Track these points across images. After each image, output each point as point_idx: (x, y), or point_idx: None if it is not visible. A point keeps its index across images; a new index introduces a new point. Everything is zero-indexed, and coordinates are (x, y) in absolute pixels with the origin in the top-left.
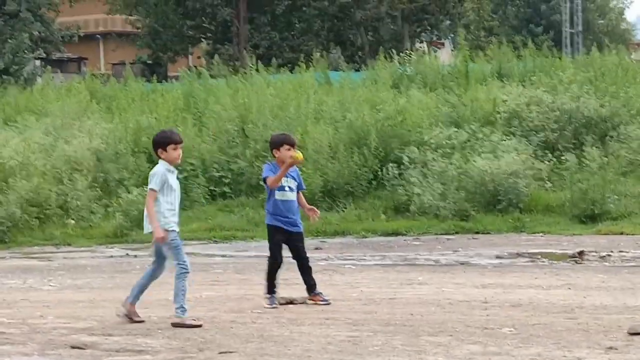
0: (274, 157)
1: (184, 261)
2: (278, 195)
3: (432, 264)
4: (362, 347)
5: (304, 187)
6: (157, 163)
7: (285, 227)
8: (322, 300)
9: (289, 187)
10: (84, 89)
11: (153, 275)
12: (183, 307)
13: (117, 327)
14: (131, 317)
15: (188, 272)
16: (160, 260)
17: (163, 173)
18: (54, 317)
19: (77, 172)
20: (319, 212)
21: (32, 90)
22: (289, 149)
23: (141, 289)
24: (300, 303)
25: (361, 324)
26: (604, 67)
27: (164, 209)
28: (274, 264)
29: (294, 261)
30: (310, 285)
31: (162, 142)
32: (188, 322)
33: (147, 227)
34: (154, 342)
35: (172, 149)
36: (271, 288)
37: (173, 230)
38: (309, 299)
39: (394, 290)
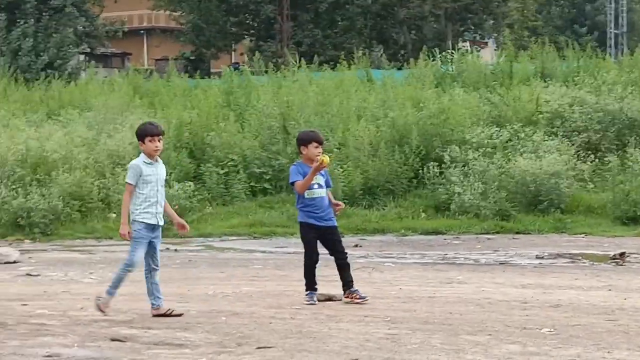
0: (301, 154)
1: (132, 259)
2: (307, 193)
3: (471, 263)
4: (400, 345)
5: (331, 184)
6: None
7: (317, 223)
8: (358, 298)
9: (318, 184)
10: (127, 84)
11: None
12: (110, 291)
13: (156, 320)
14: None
15: (129, 271)
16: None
17: (137, 166)
18: (95, 310)
19: (119, 166)
20: (342, 204)
21: (76, 84)
22: (316, 147)
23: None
24: (339, 300)
25: (400, 322)
26: None
27: (140, 202)
28: (310, 260)
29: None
30: (347, 282)
31: (140, 134)
32: (102, 308)
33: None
34: (193, 336)
35: (149, 141)
36: (310, 285)
37: (140, 222)
38: (345, 297)
39: (433, 289)
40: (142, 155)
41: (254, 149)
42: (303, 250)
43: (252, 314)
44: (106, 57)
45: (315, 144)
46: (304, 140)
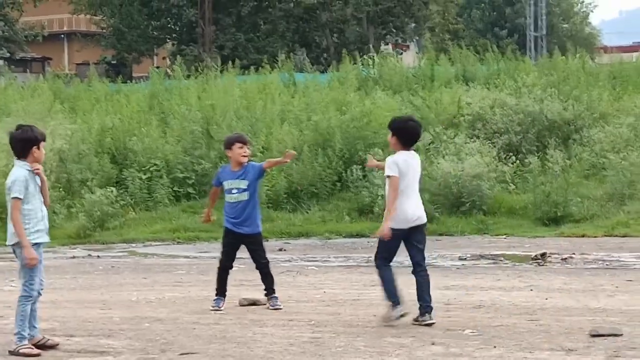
0: (228, 157)
1: (32, 284)
2: (227, 197)
3: (395, 265)
4: (324, 348)
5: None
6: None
7: (232, 229)
8: (271, 306)
9: (237, 189)
10: (47, 89)
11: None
12: (20, 334)
13: (79, 328)
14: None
15: (31, 298)
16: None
17: (25, 177)
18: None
19: None
20: (292, 152)
21: None
22: (240, 147)
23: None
24: (263, 304)
25: (324, 325)
26: (567, 71)
27: (30, 219)
28: (220, 265)
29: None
30: (267, 289)
31: (34, 139)
32: (22, 350)
33: (11, 239)
34: (116, 343)
35: (43, 146)
36: (219, 290)
37: (38, 244)
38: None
39: (357, 292)
40: (22, 164)
41: (177, 154)
42: None
43: (176, 320)
44: (26, 62)
45: (238, 145)
46: (228, 143)
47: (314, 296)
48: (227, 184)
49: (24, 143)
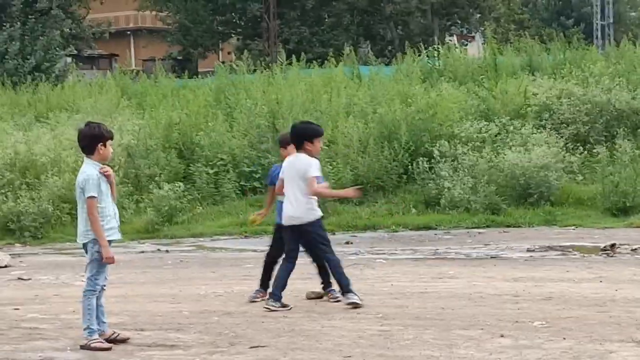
0: (281, 155)
1: (97, 279)
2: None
3: (463, 257)
4: (393, 341)
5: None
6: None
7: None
8: (332, 298)
9: None
10: (115, 86)
11: None
12: (90, 329)
13: (149, 322)
14: None
15: (95, 292)
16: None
17: (97, 176)
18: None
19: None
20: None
21: (63, 87)
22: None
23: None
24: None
25: (392, 318)
26: (636, 60)
27: (103, 217)
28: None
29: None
30: (325, 282)
31: (101, 136)
32: (94, 344)
33: (84, 237)
34: (186, 336)
35: (110, 144)
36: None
37: (109, 241)
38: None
39: (425, 284)
40: (92, 162)
41: (243, 148)
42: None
43: (245, 313)
44: (93, 59)
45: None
46: (284, 142)
47: (382, 289)
48: None
49: (90, 140)
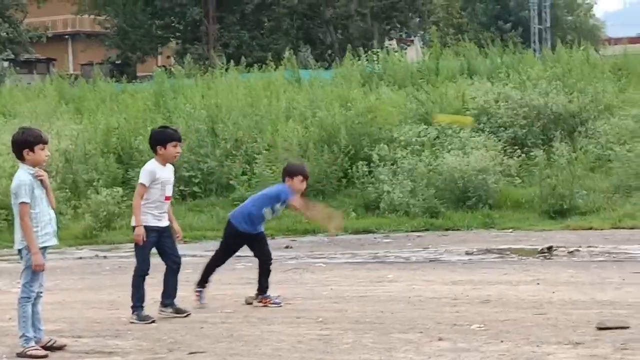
0: (289, 184)
1: (32, 286)
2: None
3: (402, 261)
4: (332, 346)
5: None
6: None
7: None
8: (272, 303)
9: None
10: (53, 90)
11: None
12: (25, 336)
13: (86, 328)
14: None
15: (30, 299)
16: None
17: (30, 181)
18: None
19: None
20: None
21: (0, 91)
22: (302, 181)
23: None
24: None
25: (332, 322)
26: (572, 63)
27: (37, 222)
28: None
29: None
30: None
31: (25, 142)
32: (30, 352)
33: (19, 243)
34: (124, 343)
35: (40, 149)
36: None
37: (44, 247)
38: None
39: (365, 288)
40: (25, 167)
41: (183, 153)
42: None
43: (183, 319)
44: (31, 63)
45: (301, 178)
46: (292, 173)
47: (321, 293)
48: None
49: (17, 146)
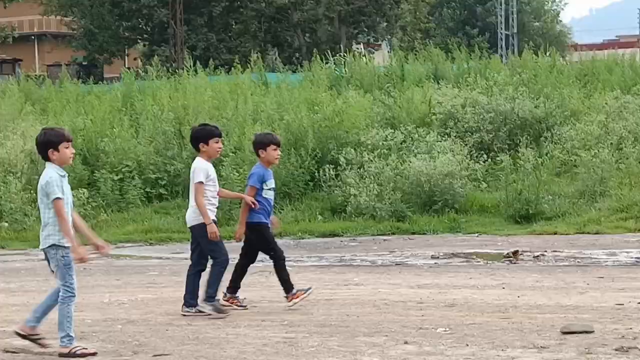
0: (259, 157)
1: (72, 284)
2: (266, 194)
3: (368, 264)
4: (298, 348)
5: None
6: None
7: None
8: (239, 305)
9: (273, 188)
10: (18, 91)
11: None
12: (70, 336)
13: (50, 330)
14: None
15: (74, 297)
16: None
17: (59, 177)
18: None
19: (10, 175)
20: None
21: None
22: (275, 149)
23: (46, 310)
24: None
25: (297, 325)
26: (538, 69)
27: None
28: (283, 258)
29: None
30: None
31: (55, 140)
32: (80, 351)
33: (46, 242)
34: (88, 345)
35: (64, 147)
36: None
37: (66, 247)
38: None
39: (331, 291)
40: (53, 165)
41: (149, 155)
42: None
43: (149, 322)
44: None
45: (274, 146)
46: (262, 144)
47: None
48: (269, 183)
49: (42, 147)
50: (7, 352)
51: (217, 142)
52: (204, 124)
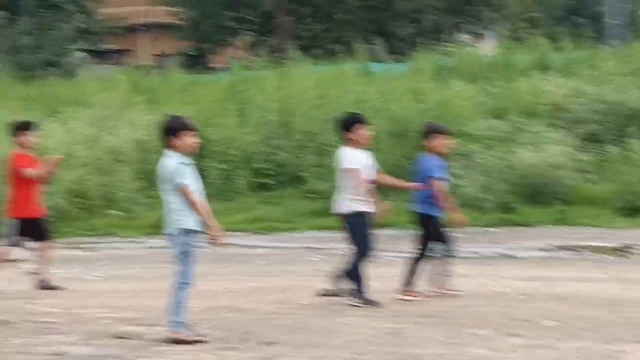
0: (424, 146)
1: (190, 271)
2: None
3: (475, 256)
4: (404, 339)
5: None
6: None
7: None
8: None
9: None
10: (127, 81)
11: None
12: (180, 322)
13: (160, 317)
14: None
15: (189, 284)
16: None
17: (182, 164)
18: (99, 307)
19: (120, 163)
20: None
21: (76, 81)
22: (444, 138)
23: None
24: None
25: (405, 316)
26: None
27: (184, 206)
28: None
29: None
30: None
31: (177, 128)
32: (192, 338)
33: (172, 226)
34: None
35: (186, 135)
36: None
37: (197, 231)
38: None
39: None
40: (174, 153)
41: (255, 144)
42: (305, 245)
43: (256, 310)
44: (105, 54)
45: (443, 135)
46: (433, 132)
47: (395, 287)
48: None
49: (164, 133)
50: (118, 337)
51: (361, 129)
52: (352, 112)
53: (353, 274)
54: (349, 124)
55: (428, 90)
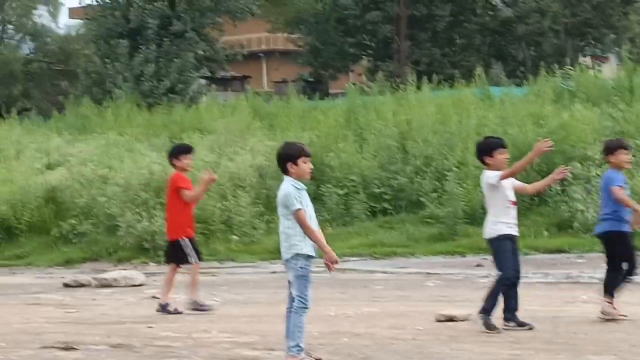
0: (610, 162)
1: (306, 295)
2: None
3: (596, 282)
4: None
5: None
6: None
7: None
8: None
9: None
10: (247, 107)
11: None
12: (299, 346)
13: (279, 342)
14: None
15: (307, 309)
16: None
17: (297, 190)
18: (218, 332)
19: (240, 189)
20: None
21: (197, 108)
22: (626, 153)
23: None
24: (461, 320)
25: (523, 342)
26: None
27: (299, 231)
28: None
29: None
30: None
31: (293, 154)
32: None
33: (286, 253)
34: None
35: (303, 162)
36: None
37: (310, 256)
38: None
39: (557, 309)
40: (289, 179)
41: (373, 169)
42: (424, 270)
43: (374, 335)
44: (226, 81)
45: (625, 150)
46: (612, 148)
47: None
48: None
49: (281, 159)
50: None
51: (501, 154)
52: (488, 137)
53: (490, 295)
54: (489, 148)
55: (548, 114)
